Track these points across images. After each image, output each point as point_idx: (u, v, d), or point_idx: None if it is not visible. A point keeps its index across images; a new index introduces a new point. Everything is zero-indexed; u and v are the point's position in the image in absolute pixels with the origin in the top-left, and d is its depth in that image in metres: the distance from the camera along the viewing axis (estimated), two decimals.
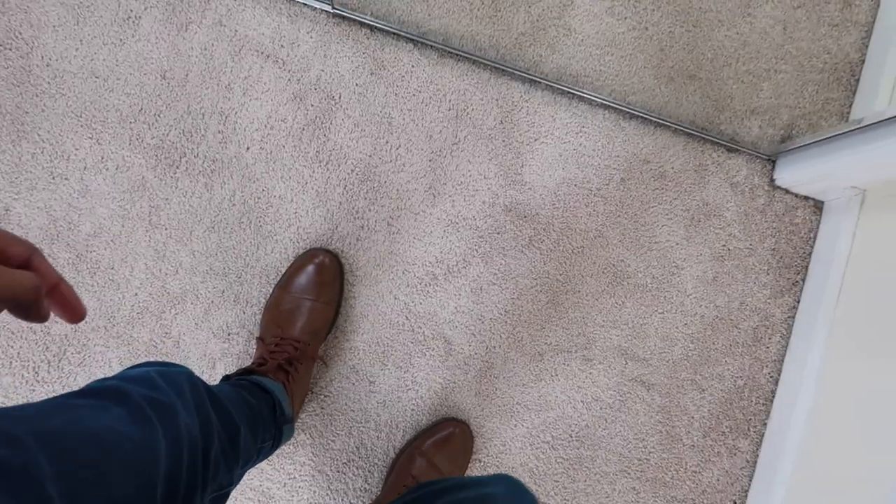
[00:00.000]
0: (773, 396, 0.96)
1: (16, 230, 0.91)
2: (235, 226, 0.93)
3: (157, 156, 0.92)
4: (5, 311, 0.34)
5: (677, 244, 0.96)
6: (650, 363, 0.96)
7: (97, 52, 0.92)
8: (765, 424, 0.97)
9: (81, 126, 0.92)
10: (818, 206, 0.97)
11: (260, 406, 0.71)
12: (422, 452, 0.89)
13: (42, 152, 0.91)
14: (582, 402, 0.95)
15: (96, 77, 0.91)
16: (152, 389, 0.48)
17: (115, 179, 0.92)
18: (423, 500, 0.56)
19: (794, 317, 0.96)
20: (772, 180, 0.96)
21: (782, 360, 0.96)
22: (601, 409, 0.95)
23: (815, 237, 0.96)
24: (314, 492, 0.93)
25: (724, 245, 0.97)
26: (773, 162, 0.96)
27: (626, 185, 0.96)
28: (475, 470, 0.94)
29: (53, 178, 0.91)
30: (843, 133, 0.82)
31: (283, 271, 0.91)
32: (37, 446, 0.36)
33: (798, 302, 0.96)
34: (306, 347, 0.84)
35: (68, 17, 0.91)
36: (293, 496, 0.93)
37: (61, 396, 0.44)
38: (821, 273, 0.93)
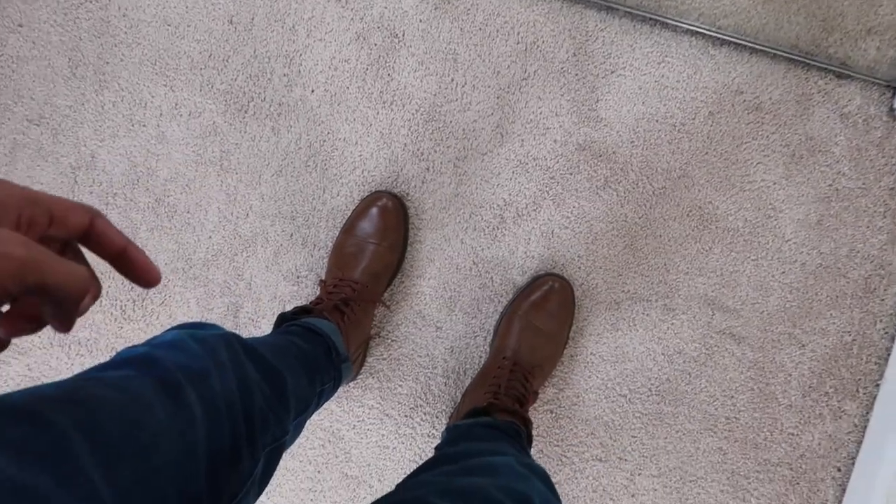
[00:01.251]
0: (889, 355, 0.87)
1: (100, 175, 0.97)
2: (302, 169, 0.95)
3: (226, 101, 0.95)
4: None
5: (775, 184, 0.89)
6: (741, 314, 0.89)
7: (168, 1, 0.95)
8: (877, 386, 0.88)
9: (156, 74, 0.96)
10: None
11: (314, 350, 0.72)
12: (520, 315, 0.87)
13: (122, 100, 0.97)
14: (663, 354, 0.91)
15: (168, 25, 0.95)
16: (183, 353, 0.48)
17: (188, 125, 0.96)
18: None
19: None
20: (891, 109, 0.86)
21: None
22: (684, 362, 0.90)
23: None
24: (382, 435, 0.95)
25: (830, 184, 0.88)
26: (894, 89, 0.86)
27: (716, 120, 0.89)
28: (544, 419, 0.92)
29: (133, 126, 0.97)
30: None
31: (351, 211, 0.92)
32: (69, 423, 0.35)
33: None
34: (364, 290, 0.85)
35: None
36: (362, 438, 0.95)
37: (92, 370, 0.44)
38: None
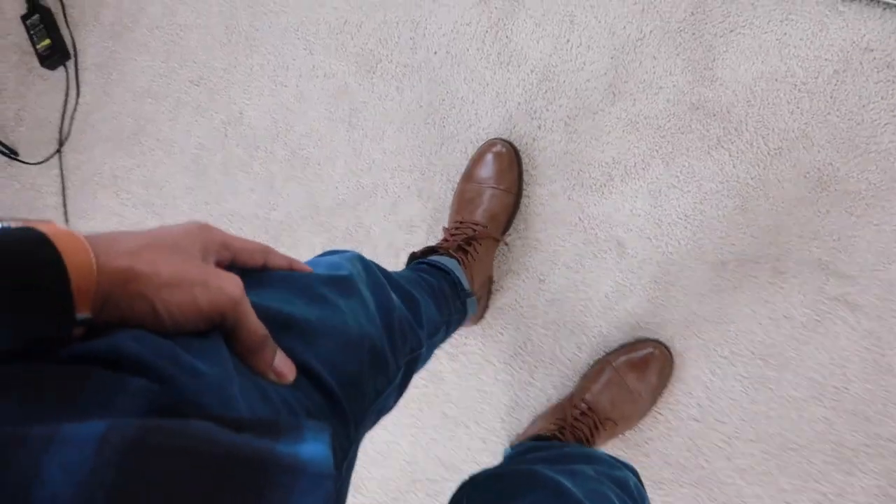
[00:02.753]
0: None
1: (246, 130, 1.14)
2: (421, 126, 1.05)
3: (357, 63, 1.08)
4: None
5: None
6: (858, 281, 0.89)
7: None
8: None
9: (298, 39, 1.11)
10: None
11: (440, 284, 0.82)
12: (613, 367, 0.94)
13: (268, 63, 1.12)
14: (769, 318, 0.92)
15: None
16: (336, 269, 0.56)
17: (323, 86, 1.10)
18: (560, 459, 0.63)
19: None
20: None
21: None
22: (792, 327, 0.92)
23: None
24: (481, 379, 1.05)
25: None
26: None
27: (841, 79, 0.89)
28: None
29: (276, 86, 1.12)
30: None
31: (463, 168, 1.02)
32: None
33: None
34: (484, 230, 0.94)
35: None
36: (462, 381, 1.05)
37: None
38: None
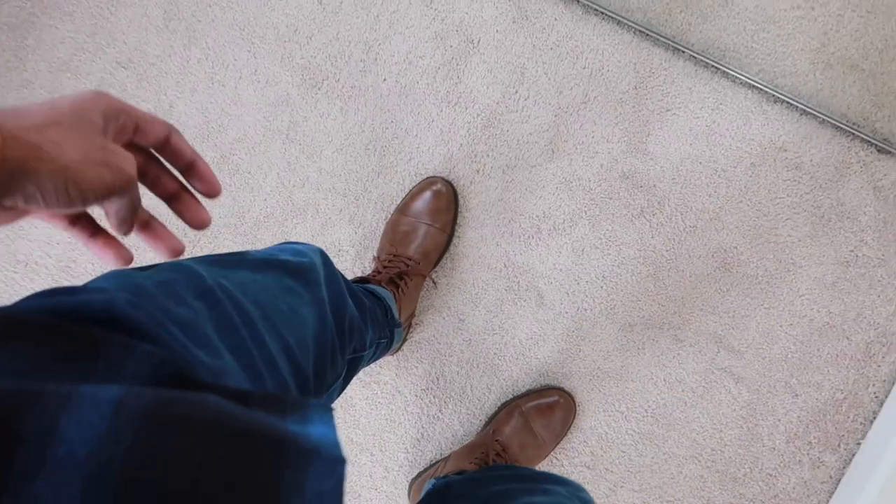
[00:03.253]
0: (874, 418, 0.97)
1: (175, 126, 1.09)
2: (361, 151, 1.05)
3: (303, 75, 1.06)
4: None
5: (799, 241, 0.98)
6: (744, 356, 0.99)
7: None
8: (858, 444, 0.98)
9: (243, 39, 1.07)
10: None
11: (374, 307, 0.84)
12: (522, 412, 1.00)
13: (206, 58, 1.08)
14: (664, 380, 1.01)
15: None
16: (298, 257, 0.58)
17: (263, 92, 1.07)
18: (494, 480, 0.67)
19: None
20: None
21: (893, 383, 0.97)
22: (683, 391, 1.01)
23: None
24: (391, 409, 1.07)
25: (852, 250, 0.97)
26: None
27: (756, 171, 0.98)
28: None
29: (212, 83, 1.08)
30: None
31: (400, 199, 1.03)
32: (217, 285, 0.46)
33: None
34: (416, 266, 0.96)
35: None
36: (372, 409, 1.07)
37: (216, 256, 0.53)
38: None
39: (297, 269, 0.56)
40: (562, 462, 1.04)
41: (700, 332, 1.00)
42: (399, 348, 1.06)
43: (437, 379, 1.06)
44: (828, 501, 0.99)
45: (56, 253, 1.11)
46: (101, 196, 0.35)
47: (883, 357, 0.97)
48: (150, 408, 0.28)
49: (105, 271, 0.44)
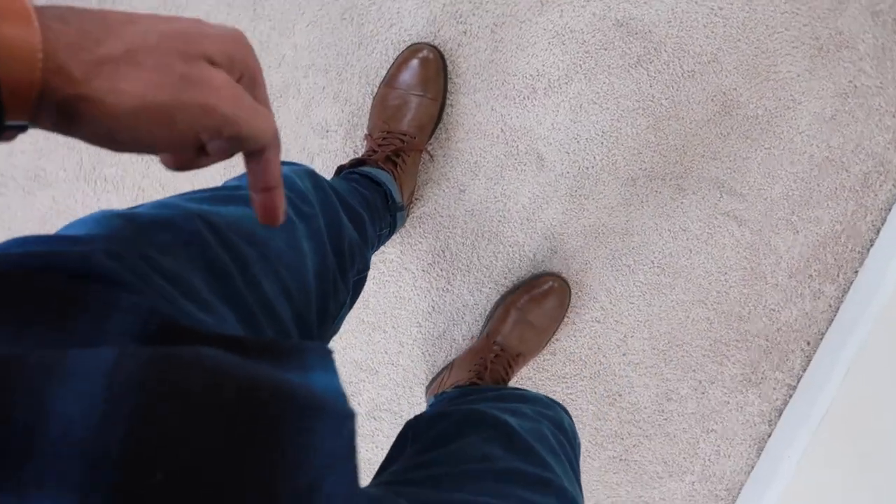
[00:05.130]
0: (871, 246, 1.05)
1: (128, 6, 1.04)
2: (337, 22, 1.03)
3: None
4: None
5: (798, 76, 1.01)
6: (746, 199, 1.05)
7: None
8: (856, 273, 1.06)
9: None
10: None
11: (374, 197, 0.86)
12: (517, 308, 1.05)
13: None
14: (669, 230, 1.07)
15: None
16: (293, 192, 0.58)
17: None
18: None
19: None
20: None
21: (889, 210, 1.03)
22: (687, 239, 1.07)
23: None
24: (400, 286, 1.12)
25: (850, 81, 1.00)
26: None
27: (752, 6, 0.99)
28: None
29: None
30: None
31: (385, 70, 1.02)
32: (207, 227, 0.44)
33: None
34: (412, 140, 0.97)
35: None
36: (380, 288, 1.12)
37: (209, 200, 0.51)
38: None
39: (289, 199, 0.55)
40: (573, 319, 1.11)
41: (702, 178, 1.05)
42: (403, 225, 1.09)
43: (443, 252, 1.10)
44: (826, 329, 1.08)
45: (21, 163, 1.10)
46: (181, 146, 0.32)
47: (880, 186, 1.03)
48: (146, 369, 0.26)
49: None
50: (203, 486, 0.25)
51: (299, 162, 0.67)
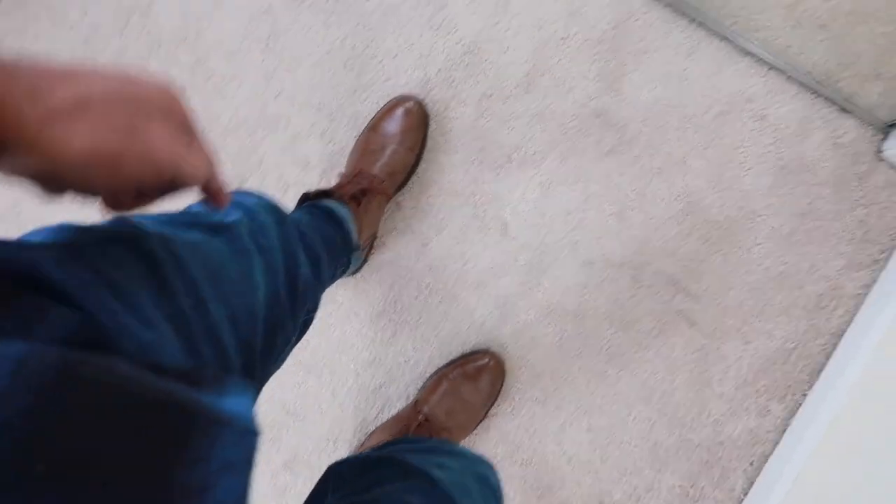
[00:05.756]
0: (822, 369, 1.04)
1: (150, 26, 1.14)
2: (339, 67, 1.11)
3: None
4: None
5: (760, 190, 1.06)
6: (700, 301, 1.06)
7: None
8: (804, 395, 1.05)
9: None
10: None
11: (334, 236, 0.88)
12: (449, 379, 1.05)
13: None
14: (621, 320, 1.07)
15: None
16: (256, 224, 0.60)
17: (242, 2, 1.13)
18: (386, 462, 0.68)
19: (865, 294, 1.03)
20: (879, 150, 1.04)
21: (841, 335, 1.04)
22: (638, 332, 1.07)
23: None
24: (345, 331, 1.11)
25: (809, 203, 1.05)
26: (886, 133, 1.04)
27: (724, 119, 1.07)
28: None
29: None
30: None
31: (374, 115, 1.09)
32: (163, 247, 0.46)
33: (874, 281, 1.03)
34: (381, 184, 1.01)
35: None
36: (325, 329, 1.11)
37: (170, 225, 0.52)
38: None
39: (250, 231, 0.58)
40: (513, 396, 1.09)
41: (659, 273, 1.07)
42: (358, 269, 1.10)
43: (395, 302, 1.11)
44: (772, 451, 1.05)
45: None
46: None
47: (833, 310, 1.05)
48: (53, 368, 0.28)
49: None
50: (91, 479, 0.26)
51: (265, 194, 0.68)
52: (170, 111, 0.37)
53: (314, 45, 1.12)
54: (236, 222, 0.57)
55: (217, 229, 0.55)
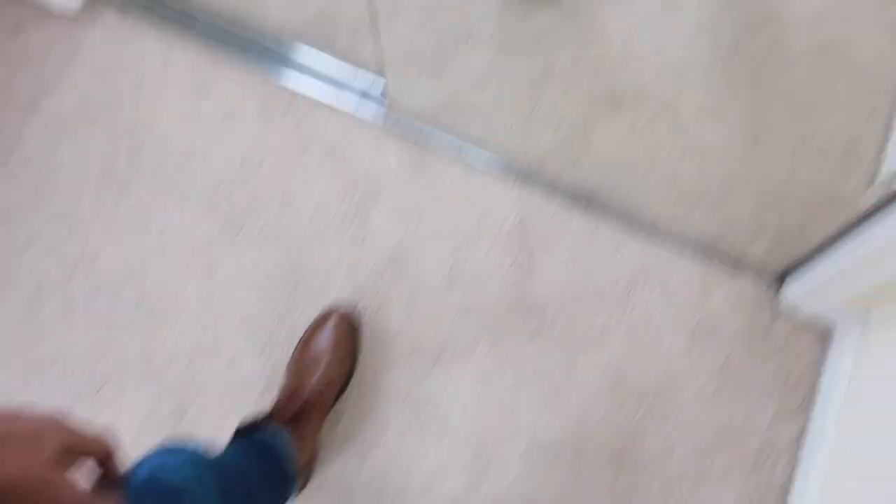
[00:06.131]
0: None
1: (98, 273, 1.23)
2: (275, 287, 1.20)
3: (226, 220, 1.24)
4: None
5: (678, 354, 1.12)
6: (645, 471, 1.08)
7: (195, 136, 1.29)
8: None
9: (170, 190, 1.26)
10: (825, 332, 1.10)
11: (269, 472, 0.89)
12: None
13: (134, 210, 1.26)
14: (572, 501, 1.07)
15: (190, 155, 1.28)
16: (178, 475, 0.64)
17: (186, 237, 1.24)
18: None
19: (801, 439, 1.06)
20: (776, 301, 1.12)
21: (789, 489, 1.05)
22: None
23: (822, 362, 1.08)
24: None
25: (725, 359, 1.11)
26: (780, 282, 1.13)
27: (632, 290, 1.15)
28: None
29: (137, 233, 1.25)
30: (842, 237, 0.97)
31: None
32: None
33: (809, 421, 1.07)
34: (320, 397, 1.05)
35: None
36: None
37: None
38: (827, 398, 1.04)
39: (174, 493, 0.62)
40: None
41: (600, 450, 1.09)
42: (303, 488, 1.10)
43: None
44: None
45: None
46: None
47: (774, 464, 1.07)
48: None
49: None
50: None
51: (188, 442, 0.72)
52: (71, 445, 0.43)
53: (250, 270, 1.22)
54: (162, 483, 0.61)
55: (143, 492, 0.57)
